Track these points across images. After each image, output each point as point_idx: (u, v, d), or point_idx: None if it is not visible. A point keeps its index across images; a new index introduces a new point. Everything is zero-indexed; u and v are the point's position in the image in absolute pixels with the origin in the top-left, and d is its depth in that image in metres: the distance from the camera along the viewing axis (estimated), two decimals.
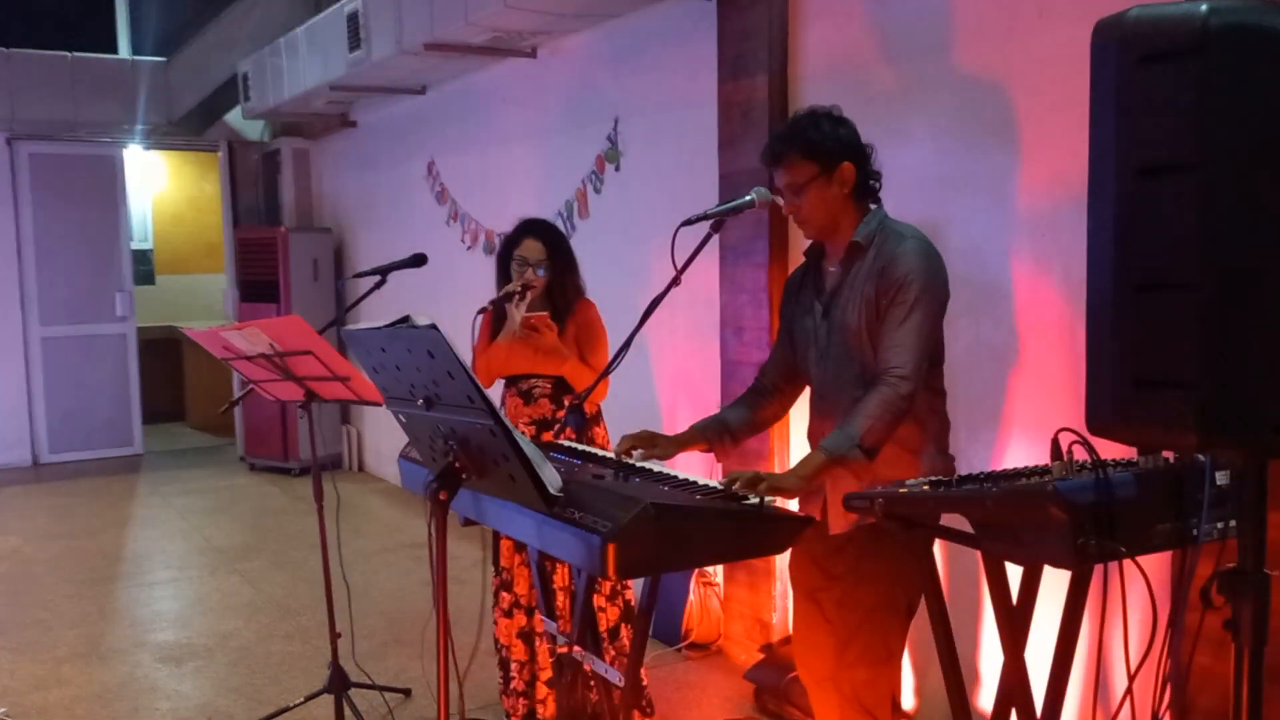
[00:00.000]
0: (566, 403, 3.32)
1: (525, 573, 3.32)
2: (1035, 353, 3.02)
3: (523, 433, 3.28)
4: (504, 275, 3.36)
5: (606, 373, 2.75)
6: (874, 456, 2.29)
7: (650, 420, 4.64)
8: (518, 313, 3.21)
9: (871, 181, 2.46)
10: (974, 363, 3.12)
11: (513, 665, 3.35)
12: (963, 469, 2.73)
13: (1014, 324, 3.07)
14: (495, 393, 3.44)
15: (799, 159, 2.39)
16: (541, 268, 3.27)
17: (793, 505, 2.42)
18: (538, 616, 3.29)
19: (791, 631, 2.74)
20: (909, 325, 2.32)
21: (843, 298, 2.43)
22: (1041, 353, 3.00)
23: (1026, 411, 3.06)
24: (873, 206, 2.47)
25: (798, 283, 2.63)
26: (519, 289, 3.21)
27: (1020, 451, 3.04)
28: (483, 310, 3.28)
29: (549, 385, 3.33)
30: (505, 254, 3.35)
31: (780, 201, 2.48)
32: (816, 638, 2.56)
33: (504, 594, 3.38)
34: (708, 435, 2.62)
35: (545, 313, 3.22)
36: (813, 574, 2.56)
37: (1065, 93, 2.84)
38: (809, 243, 2.57)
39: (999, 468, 2.13)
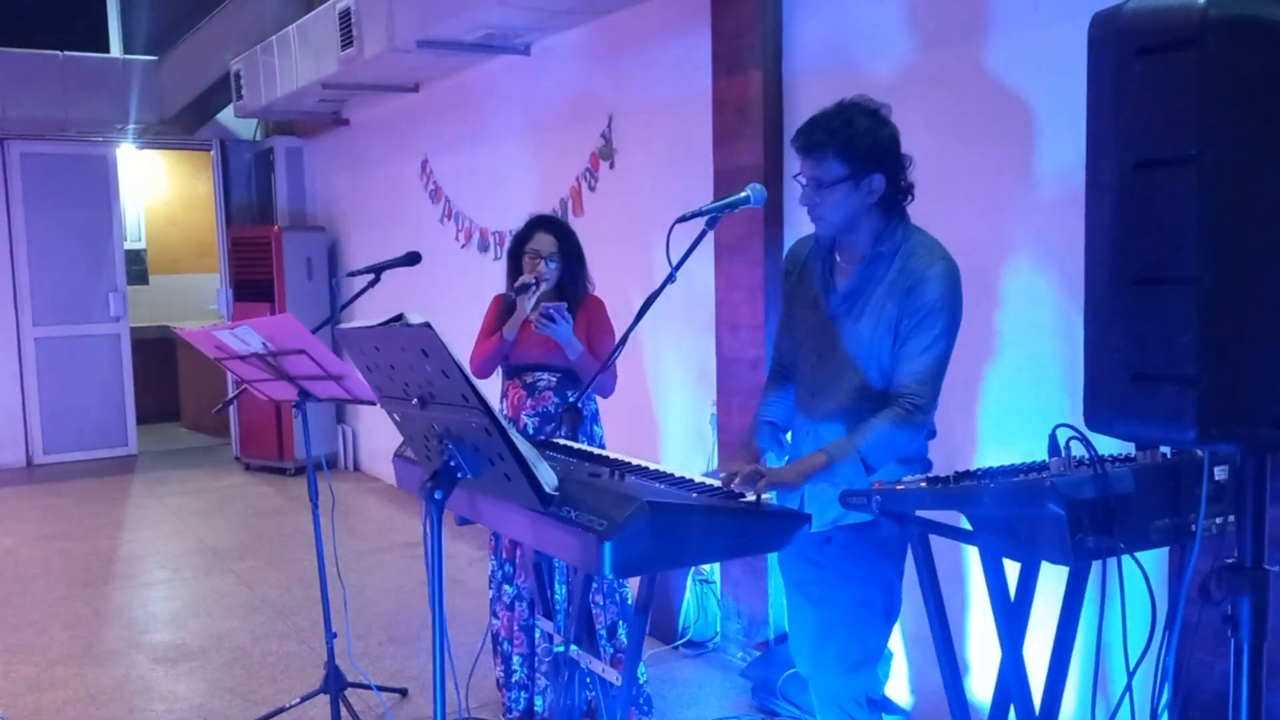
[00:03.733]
0: (571, 399, 3.32)
1: (526, 565, 3.31)
2: (1032, 348, 3.02)
3: (524, 425, 3.30)
4: (515, 269, 3.39)
5: (604, 368, 2.75)
6: (872, 474, 2.27)
7: (644, 418, 4.63)
8: (528, 305, 3.26)
9: (901, 195, 2.36)
10: (970, 358, 3.11)
11: (514, 659, 3.35)
12: (958, 465, 2.72)
13: (1010, 319, 3.07)
14: (495, 386, 3.45)
15: (832, 156, 2.28)
16: (553, 260, 3.30)
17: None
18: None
19: (787, 626, 2.73)
20: (933, 354, 2.27)
21: (858, 306, 2.36)
22: (1038, 348, 3.00)
23: (1023, 407, 3.05)
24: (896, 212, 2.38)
25: (802, 261, 2.53)
26: (533, 281, 3.26)
27: (1016, 447, 3.03)
28: (505, 294, 3.31)
29: (554, 379, 3.34)
30: (516, 248, 3.39)
31: (801, 184, 2.37)
32: (812, 630, 2.56)
33: (505, 587, 3.38)
34: (772, 446, 2.54)
35: (563, 303, 3.23)
36: (801, 567, 2.56)
37: (1061, 86, 2.84)
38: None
39: (995, 464, 2.12)
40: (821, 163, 2.29)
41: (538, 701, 3.38)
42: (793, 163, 3.71)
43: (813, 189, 2.33)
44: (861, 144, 2.28)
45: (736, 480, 2.13)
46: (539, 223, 3.39)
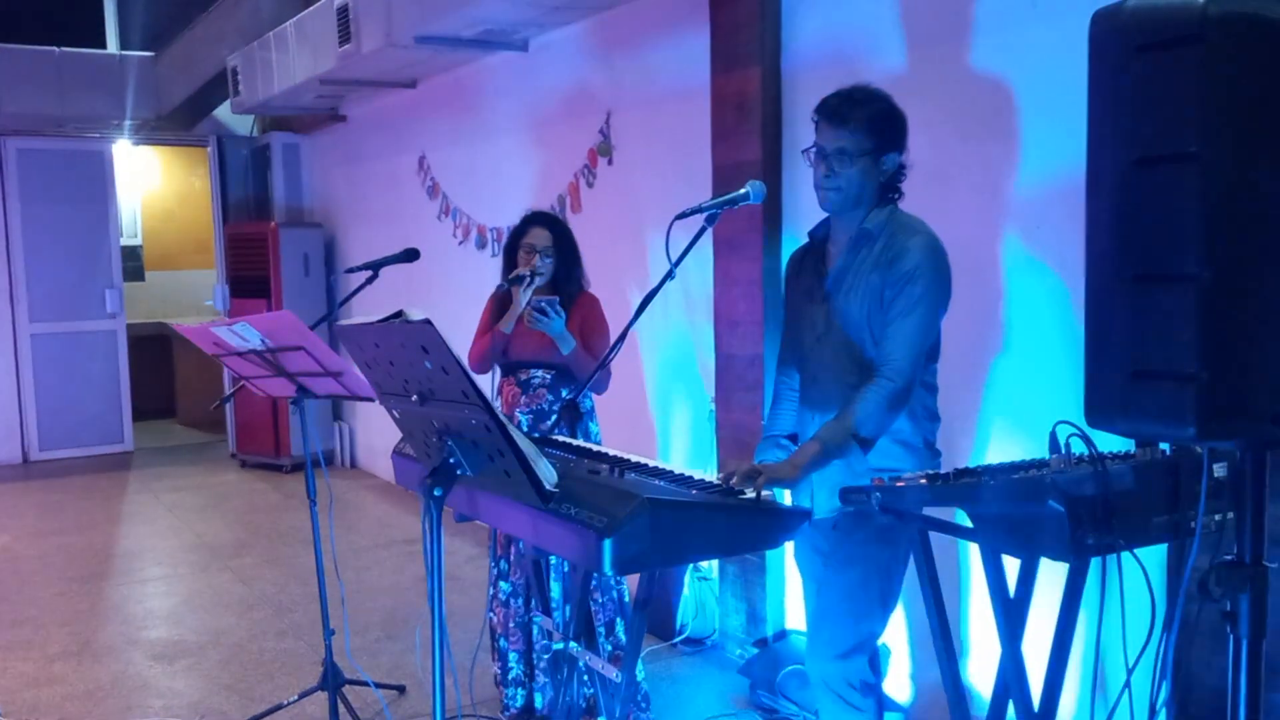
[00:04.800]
0: (569, 396, 3.32)
1: (523, 562, 3.32)
2: (1031, 345, 3.02)
3: (519, 422, 3.30)
4: (511, 266, 3.40)
5: (602, 365, 2.76)
6: (869, 449, 2.29)
7: (643, 414, 4.63)
8: (523, 298, 3.27)
9: (899, 179, 2.45)
10: (969, 355, 3.11)
11: (511, 655, 3.36)
12: (958, 461, 2.73)
13: (1008, 316, 3.07)
14: (489, 383, 3.45)
15: (863, 127, 2.35)
16: (547, 255, 3.32)
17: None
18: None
19: (806, 621, 2.73)
20: (911, 321, 2.31)
21: (846, 284, 2.42)
22: (1037, 345, 3.00)
23: (1023, 404, 3.05)
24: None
25: (798, 264, 2.61)
26: (528, 273, 3.28)
27: (1015, 444, 3.04)
28: (499, 288, 3.34)
29: (549, 376, 3.34)
30: (512, 244, 3.42)
31: (814, 157, 2.40)
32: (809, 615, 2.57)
33: (501, 584, 3.38)
34: (776, 457, 2.57)
35: (555, 296, 3.24)
36: (815, 560, 2.56)
37: (1061, 83, 2.84)
38: (814, 224, 2.54)
39: (994, 460, 2.13)
40: (853, 134, 2.35)
41: (537, 698, 3.38)
42: (792, 159, 3.75)
43: (835, 159, 2.37)
44: (887, 120, 2.38)
45: (735, 478, 2.13)
46: (534, 218, 3.42)
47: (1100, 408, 1.56)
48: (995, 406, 3.13)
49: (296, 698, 3.62)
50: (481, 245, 5.88)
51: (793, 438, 2.60)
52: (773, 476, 2.19)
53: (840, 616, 2.43)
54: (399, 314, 1.93)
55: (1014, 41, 2.99)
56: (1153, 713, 1.77)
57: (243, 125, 8.62)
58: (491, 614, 3.45)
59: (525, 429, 3.28)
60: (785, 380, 2.65)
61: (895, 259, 2.34)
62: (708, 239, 2.81)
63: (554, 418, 3.25)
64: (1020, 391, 3.05)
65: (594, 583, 3.28)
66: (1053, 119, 2.90)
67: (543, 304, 3.17)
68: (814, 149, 2.41)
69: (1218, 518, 1.78)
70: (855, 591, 2.42)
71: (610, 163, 4.77)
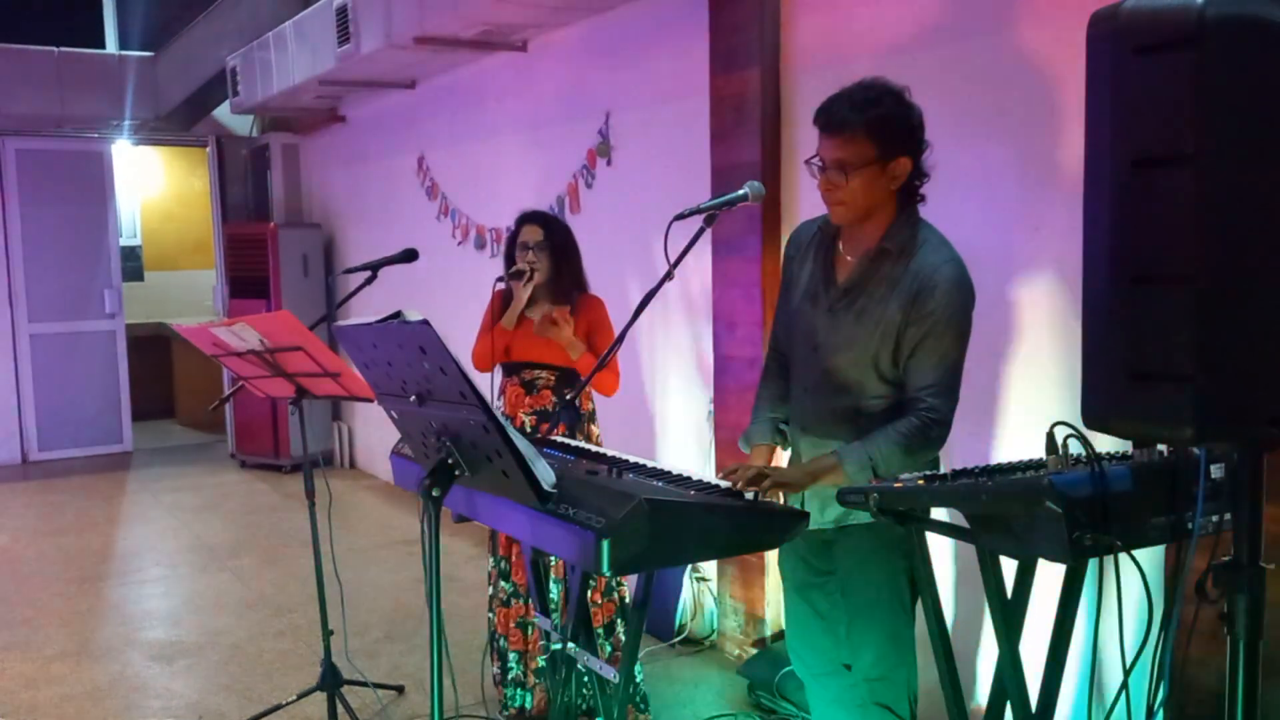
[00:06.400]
0: (568, 396, 3.34)
1: (523, 562, 3.32)
2: (1029, 346, 3.02)
3: (522, 423, 3.31)
4: (510, 267, 3.42)
5: (600, 366, 2.76)
6: (883, 479, 2.24)
7: (642, 415, 4.63)
8: (524, 293, 3.32)
9: (918, 182, 2.27)
10: (968, 356, 3.11)
11: (510, 655, 3.36)
12: (957, 463, 2.73)
13: (1008, 318, 3.07)
14: (492, 383, 3.46)
15: (862, 136, 2.14)
16: (540, 249, 3.36)
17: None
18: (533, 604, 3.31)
19: (785, 627, 2.72)
20: (948, 363, 2.21)
21: (859, 303, 2.27)
22: (1035, 346, 3.00)
23: (1020, 405, 3.05)
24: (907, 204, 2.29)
25: (805, 247, 2.43)
26: (527, 268, 3.32)
27: (1014, 445, 3.04)
28: (500, 279, 3.39)
29: (553, 377, 3.37)
30: (510, 247, 3.45)
31: (818, 168, 2.24)
32: (810, 634, 2.54)
33: (502, 584, 3.39)
34: (773, 442, 2.51)
35: (566, 308, 3.28)
36: (801, 570, 2.54)
37: (1059, 84, 2.84)
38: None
39: (993, 461, 2.13)
40: (849, 143, 2.16)
41: (527, 697, 3.38)
42: (791, 160, 3.75)
43: (835, 172, 2.19)
44: (892, 124, 2.17)
45: (739, 483, 2.10)
46: (526, 217, 3.47)
47: (1098, 409, 1.56)
48: (995, 408, 3.13)
49: (295, 698, 3.62)
50: (480, 246, 5.88)
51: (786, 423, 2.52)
52: (780, 480, 2.16)
53: (881, 632, 2.38)
54: (397, 314, 1.93)
55: (1016, 41, 2.99)
56: (1150, 714, 1.77)
57: (242, 125, 8.62)
58: (491, 613, 3.45)
59: (529, 430, 3.29)
60: (776, 359, 2.54)
61: (920, 293, 2.19)
62: (706, 240, 2.81)
63: (555, 417, 3.27)
64: (1030, 393, 3.05)
65: (591, 583, 3.28)
66: (1052, 120, 2.90)
67: (554, 316, 3.23)
68: (816, 160, 2.25)
69: (1215, 519, 1.78)
70: (888, 602, 2.38)
71: (609, 163, 4.77)
